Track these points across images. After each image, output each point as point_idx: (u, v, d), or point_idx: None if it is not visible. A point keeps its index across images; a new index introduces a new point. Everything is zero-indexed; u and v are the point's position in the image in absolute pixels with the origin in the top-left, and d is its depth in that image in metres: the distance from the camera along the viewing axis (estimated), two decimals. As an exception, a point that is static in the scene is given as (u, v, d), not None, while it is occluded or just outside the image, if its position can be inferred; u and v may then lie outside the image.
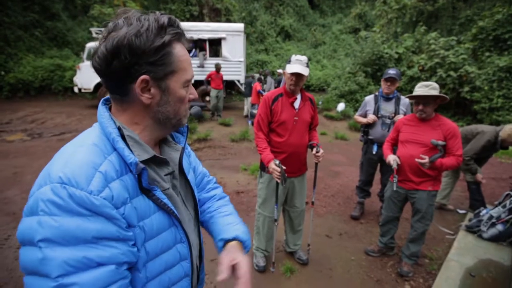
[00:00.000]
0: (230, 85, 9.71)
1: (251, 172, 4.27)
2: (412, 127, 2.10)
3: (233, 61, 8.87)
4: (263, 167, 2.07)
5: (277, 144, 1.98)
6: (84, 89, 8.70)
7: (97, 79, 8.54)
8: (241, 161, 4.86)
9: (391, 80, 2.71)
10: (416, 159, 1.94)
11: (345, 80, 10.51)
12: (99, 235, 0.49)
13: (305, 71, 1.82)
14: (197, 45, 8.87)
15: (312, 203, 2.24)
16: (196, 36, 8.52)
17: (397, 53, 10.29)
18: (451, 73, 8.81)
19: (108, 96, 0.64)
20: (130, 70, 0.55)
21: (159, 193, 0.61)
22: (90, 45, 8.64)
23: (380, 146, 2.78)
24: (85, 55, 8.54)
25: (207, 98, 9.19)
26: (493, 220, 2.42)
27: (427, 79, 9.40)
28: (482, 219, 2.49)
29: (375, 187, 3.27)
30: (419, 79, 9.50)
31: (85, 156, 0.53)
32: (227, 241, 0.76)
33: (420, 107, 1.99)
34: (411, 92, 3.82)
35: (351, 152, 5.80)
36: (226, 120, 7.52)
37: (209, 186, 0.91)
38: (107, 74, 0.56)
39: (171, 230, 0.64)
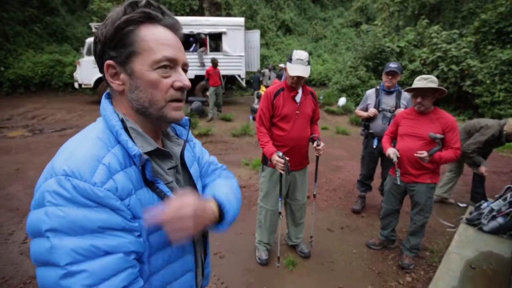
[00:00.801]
0: (231, 80, 9.65)
1: (252, 167, 4.28)
2: (411, 120, 2.10)
3: (234, 56, 8.81)
4: (265, 161, 2.08)
5: (279, 138, 1.98)
6: (85, 84, 8.68)
7: (97, 74, 8.52)
8: (243, 156, 4.87)
9: (392, 73, 2.70)
10: (415, 154, 1.94)
11: (346, 75, 10.44)
12: (105, 225, 0.50)
13: (306, 72, 1.82)
14: (198, 40, 8.78)
15: (314, 196, 2.25)
16: (196, 30, 8.44)
17: (398, 46, 10.19)
18: (453, 66, 8.73)
19: None
20: (102, 58, 0.57)
21: (162, 186, 0.60)
22: (90, 40, 8.58)
23: (380, 140, 2.78)
24: (85, 51, 8.48)
25: (207, 93, 9.17)
26: (494, 213, 2.43)
27: (428, 73, 9.32)
28: (482, 212, 2.50)
29: (376, 181, 3.27)
30: (420, 73, 9.41)
31: (88, 149, 0.53)
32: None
33: (419, 99, 1.99)
34: (413, 86, 3.80)
35: (352, 146, 5.80)
36: (227, 115, 7.50)
37: (216, 171, 0.88)
38: (100, 68, 0.59)
39: None
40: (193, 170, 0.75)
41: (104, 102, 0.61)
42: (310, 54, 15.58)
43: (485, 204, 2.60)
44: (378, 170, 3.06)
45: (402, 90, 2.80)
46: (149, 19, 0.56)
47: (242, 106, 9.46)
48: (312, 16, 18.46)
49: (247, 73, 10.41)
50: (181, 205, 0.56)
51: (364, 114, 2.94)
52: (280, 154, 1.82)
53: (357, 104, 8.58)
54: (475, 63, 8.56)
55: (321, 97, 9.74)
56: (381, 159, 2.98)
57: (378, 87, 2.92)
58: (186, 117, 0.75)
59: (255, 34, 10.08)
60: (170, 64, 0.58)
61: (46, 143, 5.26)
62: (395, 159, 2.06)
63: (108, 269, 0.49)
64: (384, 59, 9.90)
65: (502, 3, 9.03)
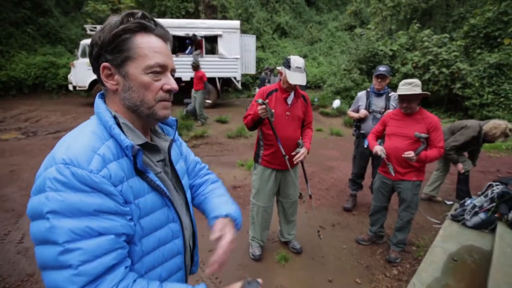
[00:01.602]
0: (226, 82, 9.73)
1: (247, 168, 4.35)
2: (398, 121, 2.21)
3: (230, 58, 8.89)
4: (257, 159, 2.17)
5: (269, 137, 2.06)
6: (79, 86, 8.64)
7: (92, 76, 8.51)
8: (238, 157, 4.94)
9: (381, 76, 2.82)
10: (403, 155, 2.05)
11: (341, 77, 10.62)
12: (99, 209, 0.56)
13: (304, 79, 1.92)
14: (193, 41, 8.83)
15: (310, 196, 2.32)
16: (192, 33, 8.50)
17: (391, 50, 10.41)
18: (444, 69, 8.97)
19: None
20: (98, 60, 0.64)
21: (152, 175, 0.67)
22: (85, 42, 8.56)
23: (372, 140, 2.90)
24: (79, 52, 8.46)
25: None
26: (476, 209, 2.55)
27: (420, 76, 9.55)
28: (466, 208, 2.62)
29: (367, 180, 3.38)
30: (412, 76, 9.64)
31: (85, 141, 0.60)
32: (219, 218, 0.82)
33: (405, 104, 2.11)
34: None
35: (346, 147, 5.92)
36: (222, 117, 7.56)
37: (202, 172, 0.98)
38: (94, 69, 0.67)
39: (163, 210, 0.70)
40: (179, 166, 0.82)
41: (98, 101, 0.68)
42: (305, 57, 15.79)
43: (468, 201, 2.72)
44: (369, 170, 3.16)
45: (392, 92, 2.92)
46: (144, 29, 0.64)
47: (237, 108, 9.53)
48: (307, 19, 18.71)
49: (243, 75, 10.51)
50: (227, 249, 0.74)
51: (356, 115, 3.05)
52: (260, 101, 1.86)
53: (351, 106, 8.71)
54: (465, 66, 8.80)
55: (315, 100, 9.89)
56: (371, 159, 3.09)
57: (368, 89, 3.04)
58: (173, 118, 0.82)
59: (252, 39, 10.20)
60: (161, 69, 0.65)
61: (41, 145, 5.24)
62: (383, 156, 2.16)
63: (100, 248, 0.55)
64: (377, 62, 10.09)
65: (490, 8, 9.33)
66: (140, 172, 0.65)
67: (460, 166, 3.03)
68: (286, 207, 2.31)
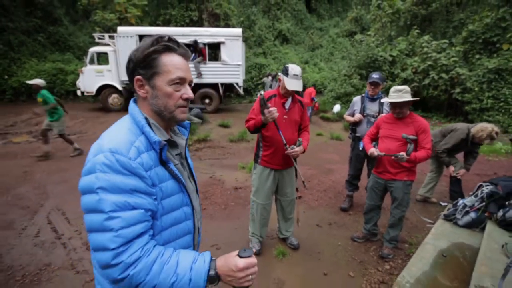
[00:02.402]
0: (229, 88, 9.96)
1: (248, 170, 4.50)
2: (390, 124, 2.37)
3: (232, 65, 9.12)
4: (256, 159, 2.32)
5: (267, 139, 2.22)
6: (87, 92, 8.93)
7: (99, 82, 8.81)
8: (239, 160, 5.10)
9: (374, 84, 2.98)
10: (392, 157, 2.19)
11: (341, 83, 10.80)
12: (134, 188, 0.72)
13: (300, 86, 2.09)
14: (195, 48, 9.02)
15: (297, 189, 2.41)
16: (188, 40, 8.56)
17: (391, 56, 10.58)
18: (443, 75, 9.10)
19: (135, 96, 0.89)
20: (133, 73, 0.81)
21: (172, 166, 0.85)
22: (93, 49, 8.88)
23: (366, 142, 3.04)
24: (88, 60, 8.75)
25: (207, 101, 9.44)
26: (467, 209, 2.65)
27: (420, 81, 9.69)
28: (457, 208, 2.73)
29: (363, 181, 3.50)
30: (412, 81, 9.78)
31: (124, 135, 0.77)
32: None
33: (397, 110, 2.27)
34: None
35: (345, 151, 6.01)
36: (225, 121, 7.76)
37: None
38: (129, 80, 0.85)
39: (179, 195, 0.87)
40: (190, 161, 1.01)
41: (132, 105, 0.86)
42: (306, 62, 15.95)
43: (461, 201, 2.82)
44: (365, 171, 3.29)
45: (384, 98, 3.07)
46: (169, 49, 0.81)
47: (239, 113, 9.74)
48: (308, 26, 19.04)
49: (245, 81, 10.72)
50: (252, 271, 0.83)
51: (351, 119, 3.21)
52: (261, 95, 2.02)
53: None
54: (464, 71, 8.93)
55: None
56: (367, 161, 3.23)
57: (363, 94, 3.20)
58: (188, 121, 1.01)
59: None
60: (181, 81, 0.82)
61: (51, 148, 5.46)
62: (379, 154, 2.30)
63: (134, 219, 0.71)
64: (377, 68, 10.27)
65: (488, 14, 9.49)
66: (164, 163, 0.82)
67: (451, 168, 3.16)
68: (284, 205, 2.45)
